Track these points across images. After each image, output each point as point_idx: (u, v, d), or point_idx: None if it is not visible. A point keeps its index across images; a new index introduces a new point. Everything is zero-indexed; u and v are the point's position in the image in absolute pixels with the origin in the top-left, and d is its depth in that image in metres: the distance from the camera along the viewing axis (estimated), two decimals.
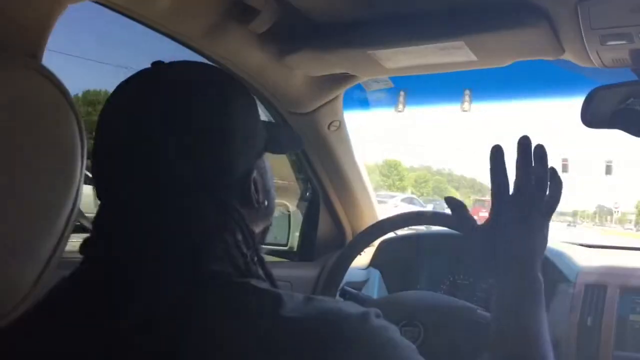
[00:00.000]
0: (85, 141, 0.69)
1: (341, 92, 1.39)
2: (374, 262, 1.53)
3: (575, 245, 1.51)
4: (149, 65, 0.61)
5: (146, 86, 0.59)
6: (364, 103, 1.55)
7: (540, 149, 0.71)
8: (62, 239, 0.67)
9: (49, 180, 0.65)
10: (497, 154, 0.71)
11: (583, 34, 0.93)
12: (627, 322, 1.19)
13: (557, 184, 0.72)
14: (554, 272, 1.28)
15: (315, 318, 0.50)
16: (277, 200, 0.72)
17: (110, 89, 0.61)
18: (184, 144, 0.55)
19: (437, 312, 1.09)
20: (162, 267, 0.53)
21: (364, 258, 1.49)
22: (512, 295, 0.69)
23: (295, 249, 1.66)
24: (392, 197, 18.26)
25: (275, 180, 0.68)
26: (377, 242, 1.54)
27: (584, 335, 1.18)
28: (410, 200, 18.24)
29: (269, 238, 0.71)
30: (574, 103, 1.05)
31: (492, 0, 0.94)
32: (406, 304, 1.12)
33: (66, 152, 0.67)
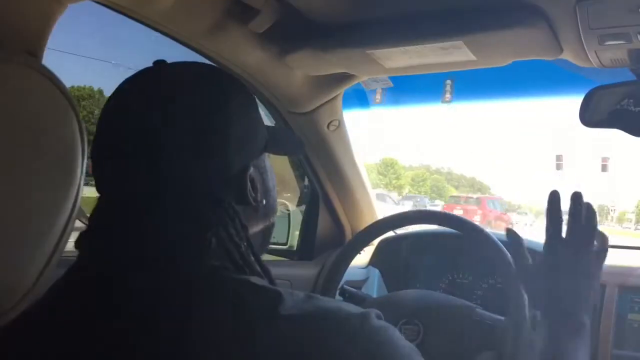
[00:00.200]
0: (86, 140, 0.69)
1: (341, 91, 1.39)
2: (373, 261, 1.54)
3: None
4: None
5: (147, 84, 0.59)
6: (363, 102, 1.55)
7: (589, 206, 0.77)
8: (63, 237, 0.67)
9: (49, 179, 0.66)
10: (554, 198, 0.77)
11: (582, 34, 0.94)
12: (626, 321, 1.19)
13: (603, 239, 0.78)
14: None
15: (315, 316, 0.50)
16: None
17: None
18: (182, 142, 0.55)
19: (437, 311, 1.09)
20: (161, 264, 0.53)
21: (363, 257, 1.49)
22: (560, 339, 0.72)
23: (294, 248, 1.66)
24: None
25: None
26: (376, 241, 1.54)
27: None
28: (382, 197, 17.56)
29: None
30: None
31: (491, 0, 0.94)
32: (405, 303, 1.12)
33: (66, 150, 0.67)
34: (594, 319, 1.18)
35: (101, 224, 0.58)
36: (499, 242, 1.09)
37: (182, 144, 0.55)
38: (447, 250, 1.45)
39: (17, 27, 0.68)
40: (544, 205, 0.78)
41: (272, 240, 0.72)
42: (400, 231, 1.56)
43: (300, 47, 1.12)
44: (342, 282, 1.24)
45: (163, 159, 0.55)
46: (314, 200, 1.62)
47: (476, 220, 10.35)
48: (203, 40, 1.07)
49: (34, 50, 0.70)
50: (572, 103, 1.06)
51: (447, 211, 1.44)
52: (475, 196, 22.21)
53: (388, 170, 35.33)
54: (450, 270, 1.45)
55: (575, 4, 0.87)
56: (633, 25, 0.89)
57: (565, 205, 0.77)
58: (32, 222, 0.64)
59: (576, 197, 0.77)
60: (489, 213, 17.11)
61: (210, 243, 0.54)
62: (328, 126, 1.44)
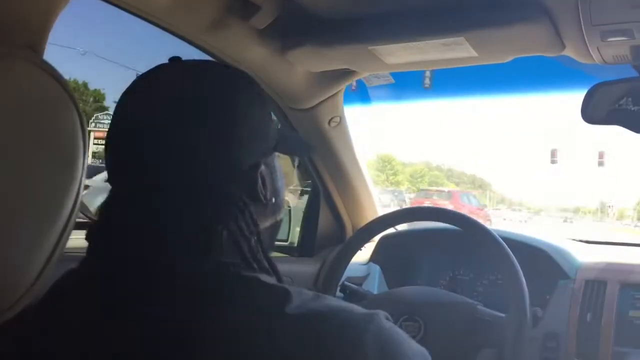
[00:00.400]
0: (87, 135, 0.69)
1: (342, 87, 1.39)
2: (374, 258, 1.54)
3: (575, 241, 1.51)
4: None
5: (161, 80, 0.60)
6: (365, 98, 1.55)
7: None
8: (64, 233, 0.67)
9: (50, 174, 0.65)
10: None
11: (584, 30, 0.93)
12: (627, 318, 1.19)
13: None
14: (554, 268, 1.28)
15: (322, 315, 0.50)
16: None
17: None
18: (195, 137, 0.55)
19: (437, 308, 1.09)
20: (172, 260, 0.53)
21: (364, 253, 1.49)
22: None
23: (295, 245, 1.66)
24: None
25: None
26: (377, 238, 1.54)
27: (583, 331, 1.18)
28: None
29: None
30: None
31: None
32: (406, 300, 1.12)
33: (67, 145, 0.67)
34: (595, 316, 1.19)
35: (109, 219, 0.58)
36: (499, 238, 1.09)
37: (193, 138, 0.55)
38: (448, 247, 1.45)
39: (18, 21, 0.67)
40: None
41: None
42: (401, 228, 1.56)
43: (302, 43, 1.12)
44: (342, 279, 1.24)
45: (174, 151, 0.55)
46: (315, 197, 1.62)
47: None
48: (204, 36, 1.06)
49: (35, 45, 0.69)
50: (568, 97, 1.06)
51: (448, 208, 1.44)
52: (446, 190, 21.95)
53: (385, 166, 35.12)
54: (451, 266, 1.45)
55: (578, 0, 0.86)
56: (635, 22, 0.89)
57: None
58: (32, 219, 0.64)
59: None
60: (462, 208, 16.72)
61: (221, 236, 0.54)
62: (329, 122, 1.44)
